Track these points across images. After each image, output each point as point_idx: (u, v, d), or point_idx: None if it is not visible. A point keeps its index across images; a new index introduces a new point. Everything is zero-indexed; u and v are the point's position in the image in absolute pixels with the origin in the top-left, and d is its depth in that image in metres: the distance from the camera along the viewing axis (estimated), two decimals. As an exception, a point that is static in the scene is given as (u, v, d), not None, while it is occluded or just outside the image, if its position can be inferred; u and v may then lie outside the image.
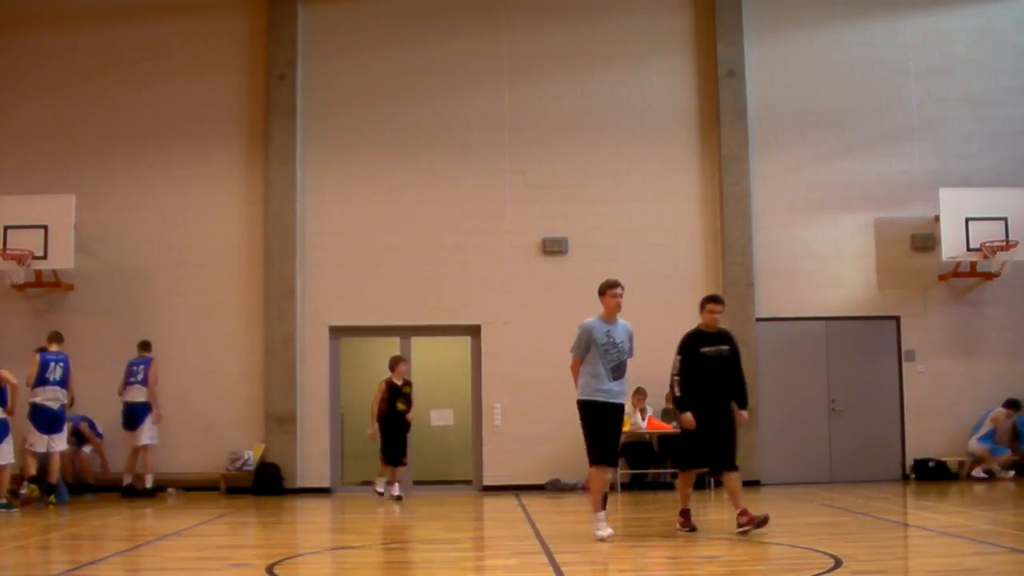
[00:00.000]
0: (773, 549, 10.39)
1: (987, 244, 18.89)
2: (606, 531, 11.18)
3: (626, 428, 18.54)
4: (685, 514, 12.03)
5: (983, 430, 18.85)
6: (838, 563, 8.94)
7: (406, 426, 17.31)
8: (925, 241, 19.53)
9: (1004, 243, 18.88)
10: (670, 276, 19.45)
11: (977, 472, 18.88)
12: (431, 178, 19.72)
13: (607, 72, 20.01)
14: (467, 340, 19.61)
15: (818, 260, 19.46)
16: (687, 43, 20.09)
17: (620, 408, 11.66)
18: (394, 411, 17.12)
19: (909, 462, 19.09)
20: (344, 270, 19.49)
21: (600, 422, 11.43)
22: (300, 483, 18.97)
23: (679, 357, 12.00)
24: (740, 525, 11.31)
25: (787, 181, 19.81)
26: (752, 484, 18.20)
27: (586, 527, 11.75)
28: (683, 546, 10.82)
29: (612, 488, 18.10)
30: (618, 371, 11.54)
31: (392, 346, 19.46)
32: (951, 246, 19.06)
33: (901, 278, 19.69)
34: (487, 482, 18.96)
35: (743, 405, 12.10)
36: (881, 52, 20.28)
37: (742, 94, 19.78)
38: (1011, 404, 18.97)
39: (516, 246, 19.57)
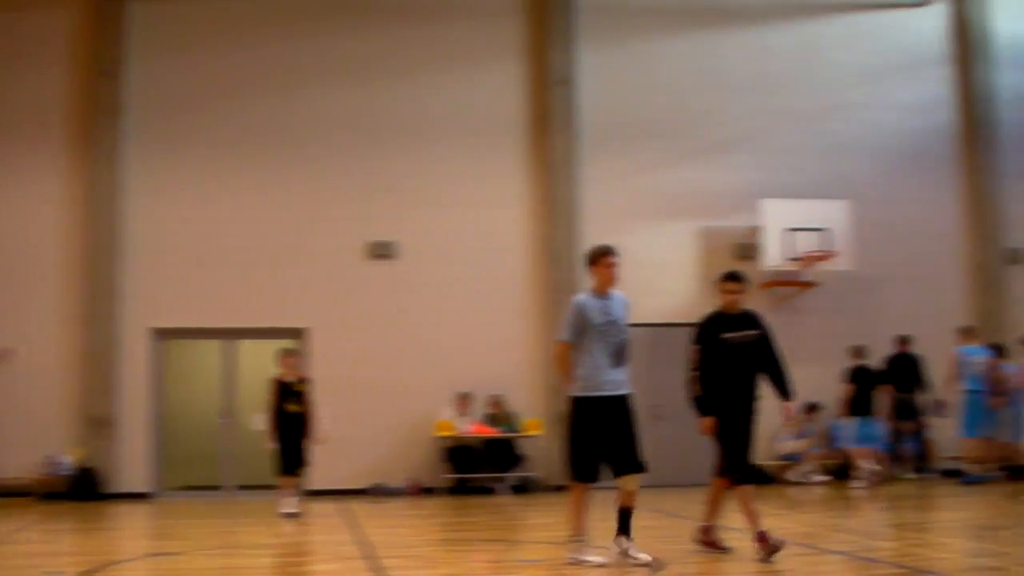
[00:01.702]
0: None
1: (807, 254, 19.43)
2: (597, 558, 9.37)
3: (451, 433, 18.61)
4: (707, 531, 10.23)
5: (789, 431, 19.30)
6: (660, 565, 9.07)
7: (302, 430, 15.28)
8: (747, 250, 19.97)
9: (823, 253, 19.46)
10: (497, 281, 19.57)
11: (798, 475, 19.37)
12: (262, 180, 19.46)
13: (438, 76, 20.02)
14: (294, 343, 19.40)
15: (644, 267, 19.70)
16: (519, 50, 20.22)
17: (624, 401, 9.57)
18: (285, 413, 15.19)
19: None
20: (170, 272, 19.09)
21: (598, 425, 9.42)
22: (119, 488, 18.52)
23: (697, 347, 10.12)
24: (761, 551, 9.56)
25: (616, 189, 20.07)
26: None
27: (411, 531, 11.68)
28: (506, 550, 10.86)
29: (455, 491, 18.13)
30: (620, 355, 9.58)
31: (216, 349, 19.17)
32: (772, 256, 19.55)
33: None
34: (310, 487, 18.80)
35: (787, 395, 10.20)
36: (708, 65, 20.74)
37: (573, 102, 19.99)
38: (811, 408, 19.63)
39: (345, 248, 19.43)
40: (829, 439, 19.96)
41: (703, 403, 9.97)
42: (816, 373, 19.71)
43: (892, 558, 9.26)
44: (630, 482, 9.42)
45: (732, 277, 10.35)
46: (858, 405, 18.65)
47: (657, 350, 19.72)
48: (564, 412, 9.70)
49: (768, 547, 9.43)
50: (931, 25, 21.81)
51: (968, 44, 21.76)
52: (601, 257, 9.77)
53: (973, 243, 21.39)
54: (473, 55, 20.17)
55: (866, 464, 18.47)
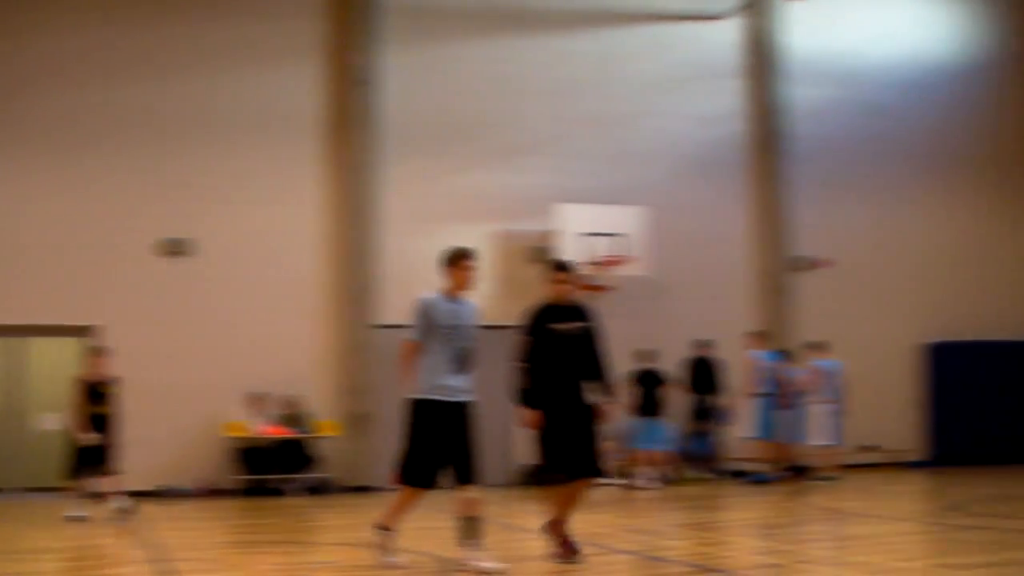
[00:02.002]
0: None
1: (602, 259, 19.72)
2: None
3: (243, 433, 18.33)
4: (558, 527, 9.62)
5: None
6: (446, 568, 9.08)
7: (106, 431, 14.46)
8: (544, 254, 20.13)
9: (618, 258, 19.77)
10: (293, 281, 19.32)
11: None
12: (53, 175, 18.72)
13: (235, 72, 19.64)
14: (83, 341, 18.84)
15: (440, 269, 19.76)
16: (320, 49, 19.98)
17: (462, 408, 9.19)
18: (92, 414, 14.40)
19: (516, 467, 19.56)
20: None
21: (433, 429, 9.04)
22: None
23: (525, 339, 9.67)
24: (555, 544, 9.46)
25: (416, 190, 20.03)
26: (371, 490, 18.31)
27: (202, 533, 11.45)
28: (298, 552, 10.74)
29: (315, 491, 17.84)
30: (464, 361, 9.23)
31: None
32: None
33: (521, 290, 20.20)
34: (97, 487, 18.26)
35: (607, 395, 9.82)
36: (510, 69, 20.88)
37: (374, 103, 19.87)
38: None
39: (137, 245, 18.86)
40: (620, 441, 20.29)
41: (530, 396, 9.54)
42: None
43: (681, 557, 9.46)
44: (468, 491, 9.02)
45: (561, 266, 9.98)
46: (644, 407, 19.03)
47: (454, 351, 19.74)
48: (403, 413, 9.20)
49: (567, 550, 9.31)
50: (727, 38, 22.40)
51: (762, 58, 22.43)
52: (459, 260, 9.47)
53: (762, 251, 22.05)
54: (272, 52, 19.86)
55: (651, 466, 18.86)
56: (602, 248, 19.86)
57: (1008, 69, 24.92)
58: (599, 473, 9.66)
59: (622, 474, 19.39)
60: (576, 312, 9.76)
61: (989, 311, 23.66)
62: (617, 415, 10.58)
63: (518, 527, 12.34)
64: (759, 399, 19.14)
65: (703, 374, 20.05)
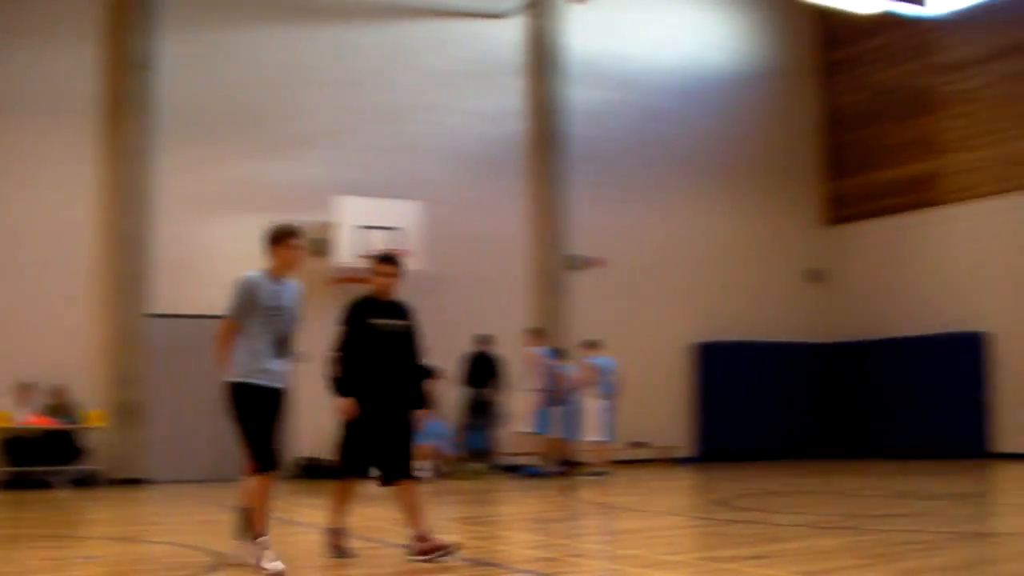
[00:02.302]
0: (156, 548, 10.22)
1: (379, 252, 19.58)
2: (278, 564, 8.40)
3: (7, 424, 17.61)
4: (337, 534, 9.37)
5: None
6: (220, 563, 8.90)
7: None
8: (320, 246, 19.94)
9: (396, 252, 19.66)
10: (63, 267, 18.64)
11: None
12: None
13: (10, 54, 18.76)
14: None
15: (216, 259, 19.32)
16: (96, 31, 19.28)
17: (280, 396, 8.75)
18: None
19: (296, 460, 19.37)
20: None
21: (261, 413, 8.60)
22: None
23: (342, 328, 9.28)
24: (418, 552, 8.94)
25: (194, 178, 19.57)
26: (141, 483, 17.87)
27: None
28: (62, 547, 10.38)
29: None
30: (283, 345, 8.77)
31: None
32: (344, 252, 19.62)
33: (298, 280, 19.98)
34: None
35: (419, 403, 9.54)
36: (293, 58, 20.60)
37: (152, 87, 19.31)
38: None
39: None
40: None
41: (343, 384, 9.15)
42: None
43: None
44: (260, 481, 8.63)
45: (387, 259, 9.55)
46: None
47: (228, 343, 19.40)
48: (222, 398, 8.68)
49: (431, 548, 8.87)
50: (509, 37, 22.59)
51: (542, 58, 22.69)
52: (286, 238, 8.84)
53: (539, 248, 22.31)
54: (44, 32, 19.06)
55: (422, 460, 18.90)
56: (379, 242, 19.72)
57: (780, 79, 25.89)
58: (409, 475, 9.22)
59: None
60: (397, 309, 9.47)
61: (755, 313, 24.52)
62: (432, 415, 9.96)
63: (295, 521, 12.17)
64: (536, 395, 19.34)
65: (481, 369, 20.14)
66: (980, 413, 23.01)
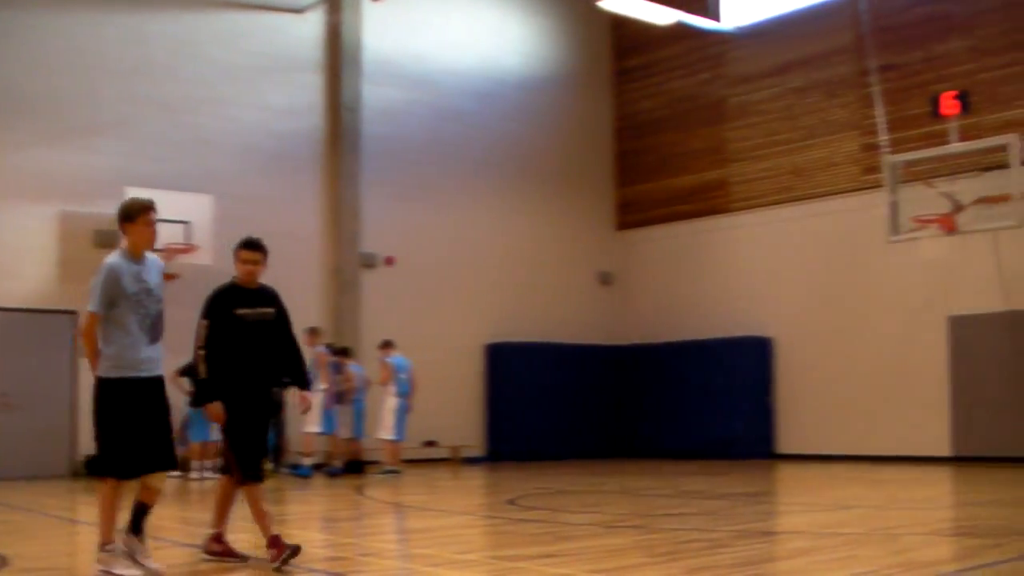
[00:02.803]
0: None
1: (169, 246, 19.17)
2: (132, 571, 7.88)
3: None
4: (220, 538, 8.93)
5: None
6: (4, 562, 8.57)
7: None
8: (108, 238, 19.39)
9: (184, 246, 19.29)
10: None
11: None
12: None
13: None
14: None
15: (3, 250, 18.71)
16: None
17: (161, 383, 8.17)
18: None
19: (80, 458, 18.83)
20: None
21: (136, 409, 7.91)
22: None
23: (205, 322, 8.65)
24: (274, 558, 8.44)
25: (-27, 165, 18.87)
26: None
27: None
28: None
29: None
30: (156, 329, 8.11)
31: None
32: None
33: (83, 273, 19.35)
34: None
35: (304, 384, 9.21)
36: (83, 44, 19.99)
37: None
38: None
39: None
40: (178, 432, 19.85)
41: (209, 387, 8.57)
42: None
43: (244, 550, 9.27)
44: (158, 479, 8.08)
45: (250, 245, 8.97)
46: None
47: (8, 336, 18.78)
48: (95, 396, 7.95)
49: (282, 552, 8.43)
50: (307, 33, 22.35)
51: (339, 55, 22.52)
52: (140, 214, 8.12)
53: (333, 246, 22.13)
54: None
55: (205, 457, 18.61)
56: (168, 235, 19.28)
57: (576, 85, 26.24)
58: (260, 476, 8.76)
59: (180, 466, 18.97)
60: (264, 297, 8.97)
61: (548, 314, 24.80)
62: (312, 404, 9.64)
63: (80, 520, 11.80)
64: (323, 394, 19.17)
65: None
66: (766, 416, 23.71)
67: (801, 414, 23.27)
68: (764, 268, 24.00)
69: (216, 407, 8.55)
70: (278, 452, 20.06)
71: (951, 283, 21.03)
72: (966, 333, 21.05)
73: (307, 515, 13.97)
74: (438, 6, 24.19)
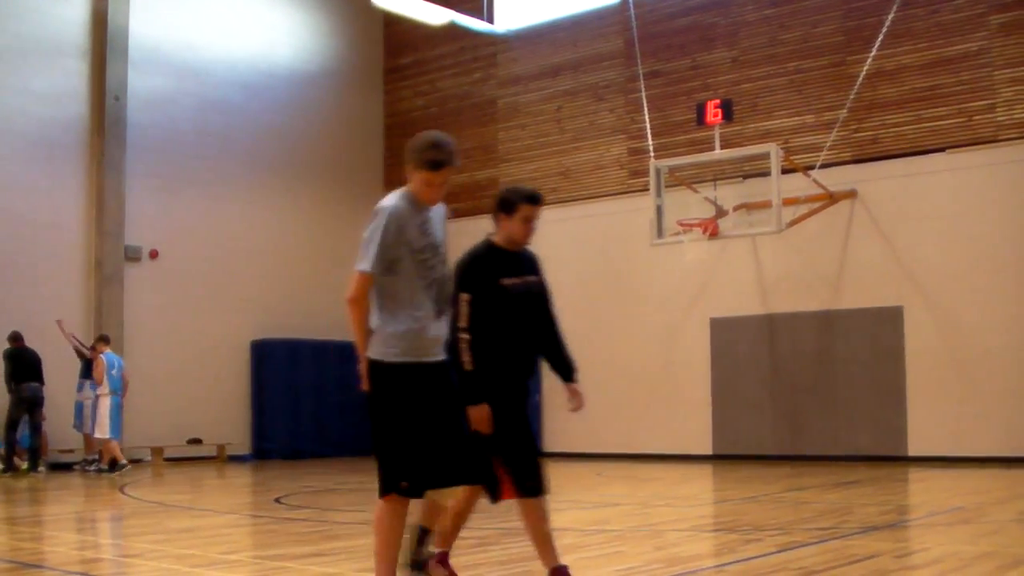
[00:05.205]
0: None
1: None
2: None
3: None
4: (445, 560, 7.13)
5: None
6: None
7: None
8: None
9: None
10: None
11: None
12: None
13: None
14: None
15: None
16: None
17: (447, 371, 6.33)
18: None
19: None
20: None
21: (428, 404, 6.15)
22: None
23: (466, 296, 6.65)
24: None
25: None
26: None
27: None
28: None
29: None
30: (443, 299, 6.25)
31: None
32: None
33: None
34: None
35: (570, 375, 7.17)
36: None
37: None
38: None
39: None
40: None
41: (476, 383, 6.63)
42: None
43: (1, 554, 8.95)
44: (452, 495, 6.63)
45: (536, 198, 6.89)
46: None
47: None
48: (370, 385, 6.23)
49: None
50: (72, 16, 21.63)
51: (104, 40, 21.85)
52: (432, 152, 6.12)
53: (95, 239, 21.48)
54: None
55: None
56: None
57: (347, 80, 26.11)
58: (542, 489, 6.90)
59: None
60: (528, 262, 7.06)
61: (315, 311, 24.58)
62: (582, 400, 7.11)
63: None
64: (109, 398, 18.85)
65: (24, 365, 19.18)
66: (535, 414, 23.96)
67: (569, 412, 23.54)
68: (533, 268, 24.25)
69: (483, 411, 6.64)
70: (35, 451, 19.40)
71: (713, 286, 21.69)
72: (726, 335, 21.74)
73: (65, 515, 13.54)
74: (207, -4, 23.76)
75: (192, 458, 22.01)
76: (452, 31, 24.81)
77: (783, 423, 21.09)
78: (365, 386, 6.22)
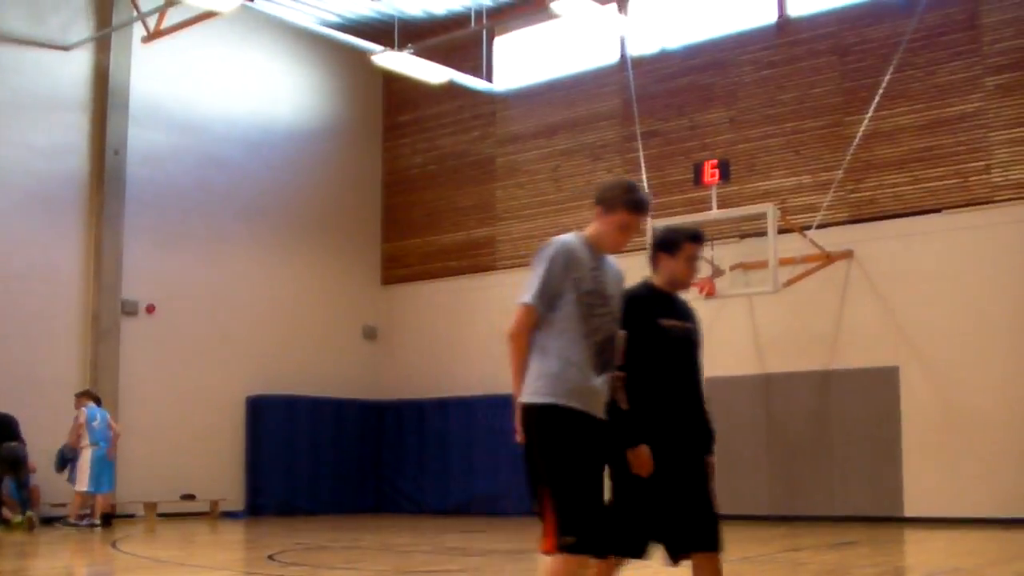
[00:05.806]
0: None
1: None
2: None
3: None
4: None
5: None
6: None
7: None
8: None
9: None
10: None
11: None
12: None
13: None
14: None
15: None
16: None
17: (604, 428, 5.94)
18: None
19: None
20: None
21: (586, 453, 5.77)
22: None
23: (622, 333, 6.18)
24: None
25: None
26: None
27: None
28: None
29: None
30: (606, 354, 5.91)
31: None
32: None
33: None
34: None
35: (709, 444, 6.72)
36: None
37: None
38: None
39: None
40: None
41: (636, 423, 6.30)
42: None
43: None
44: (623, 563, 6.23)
45: (700, 237, 6.80)
46: None
47: None
48: (528, 428, 5.88)
49: None
50: (74, 71, 21.72)
51: (105, 96, 21.94)
52: (633, 192, 6.03)
53: (92, 292, 21.46)
54: None
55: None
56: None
57: (346, 138, 26.23)
58: (718, 546, 6.49)
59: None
60: (685, 309, 6.94)
61: (312, 368, 24.58)
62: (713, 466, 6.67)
63: None
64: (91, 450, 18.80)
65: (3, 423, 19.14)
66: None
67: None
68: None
69: (643, 452, 6.26)
70: (25, 504, 19.29)
71: (709, 345, 21.45)
72: (722, 395, 21.61)
73: (55, 570, 13.44)
74: (209, 52, 23.80)
75: (185, 514, 21.88)
76: (451, 90, 24.94)
77: (779, 483, 21.00)
78: (519, 437, 5.87)
